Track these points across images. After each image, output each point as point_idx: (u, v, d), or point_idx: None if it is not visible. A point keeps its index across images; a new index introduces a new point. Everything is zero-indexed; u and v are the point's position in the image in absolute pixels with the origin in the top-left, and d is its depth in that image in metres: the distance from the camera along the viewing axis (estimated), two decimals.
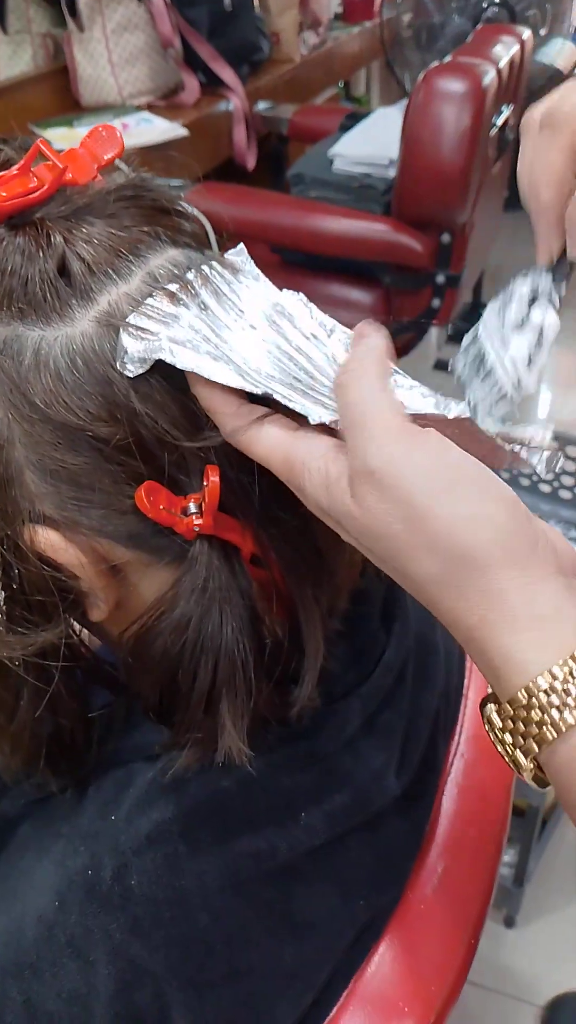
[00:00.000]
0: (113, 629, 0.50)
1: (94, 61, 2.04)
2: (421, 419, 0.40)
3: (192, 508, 0.43)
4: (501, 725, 0.38)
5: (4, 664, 0.47)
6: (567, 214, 0.43)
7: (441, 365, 2.35)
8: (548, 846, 1.55)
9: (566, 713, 0.35)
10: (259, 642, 0.46)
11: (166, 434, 0.43)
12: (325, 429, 0.41)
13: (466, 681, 0.68)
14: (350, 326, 0.48)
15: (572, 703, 0.35)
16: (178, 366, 0.41)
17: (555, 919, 1.52)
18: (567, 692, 0.35)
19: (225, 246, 0.49)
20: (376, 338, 0.42)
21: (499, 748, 0.38)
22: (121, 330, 0.42)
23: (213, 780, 0.48)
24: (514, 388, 0.45)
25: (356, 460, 0.38)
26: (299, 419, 0.42)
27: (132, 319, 0.42)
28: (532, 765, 0.37)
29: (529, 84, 2.28)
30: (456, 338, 2.39)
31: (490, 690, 0.39)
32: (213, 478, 0.43)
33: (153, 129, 1.97)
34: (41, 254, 0.43)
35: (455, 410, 0.44)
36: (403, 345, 2.07)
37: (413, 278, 1.96)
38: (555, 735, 0.36)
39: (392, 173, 2.00)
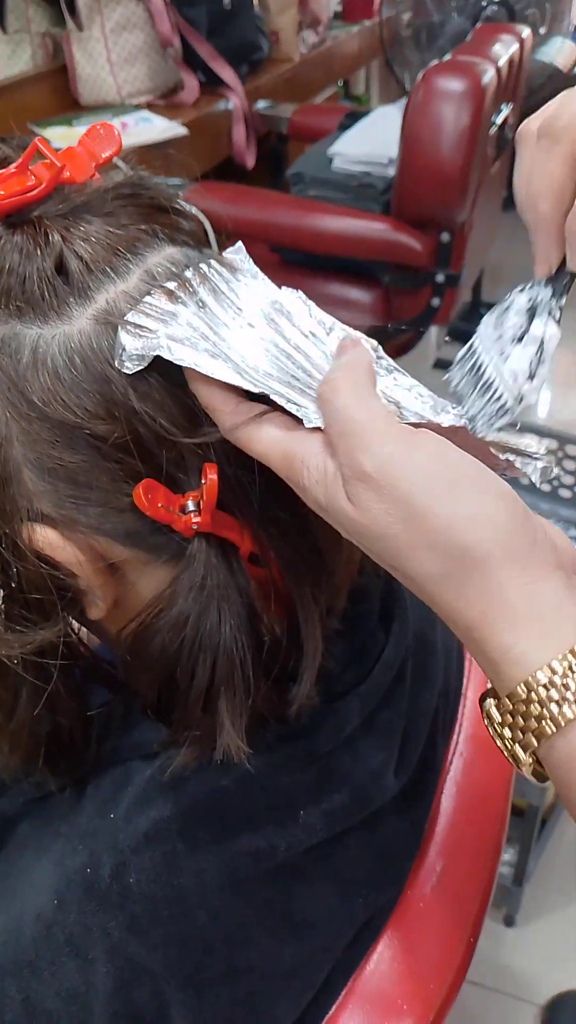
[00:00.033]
0: (111, 627, 0.50)
1: (93, 60, 2.04)
2: (416, 424, 0.40)
3: (190, 506, 0.43)
4: (500, 720, 0.38)
5: (3, 663, 0.47)
6: (567, 225, 0.42)
7: (441, 364, 2.35)
8: (548, 845, 1.55)
9: (565, 708, 0.35)
10: (257, 640, 0.46)
11: (164, 431, 0.43)
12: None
13: (465, 680, 0.68)
14: (350, 325, 0.48)
15: (571, 698, 0.35)
16: (176, 362, 0.41)
17: (555, 918, 1.53)
18: (566, 687, 0.35)
19: (224, 245, 0.49)
20: (358, 351, 0.42)
21: (498, 743, 0.38)
22: (119, 327, 0.42)
23: (212, 778, 0.48)
24: (515, 402, 0.45)
25: (347, 466, 0.38)
26: (297, 417, 0.42)
27: (130, 317, 0.42)
28: (531, 760, 0.37)
29: (528, 83, 2.28)
30: (456, 337, 2.40)
31: (489, 685, 0.39)
32: (211, 476, 0.43)
33: (152, 128, 1.97)
34: (39, 252, 0.43)
35: (448, 420, 0.44)
36: (403, 344, 2.07)
37: (412, 277, 1.96)
38: (554, 729, 0.36)
39: (391, 172, 2.00)
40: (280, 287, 0.48)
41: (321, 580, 0.48)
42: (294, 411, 0.41)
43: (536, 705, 0.36)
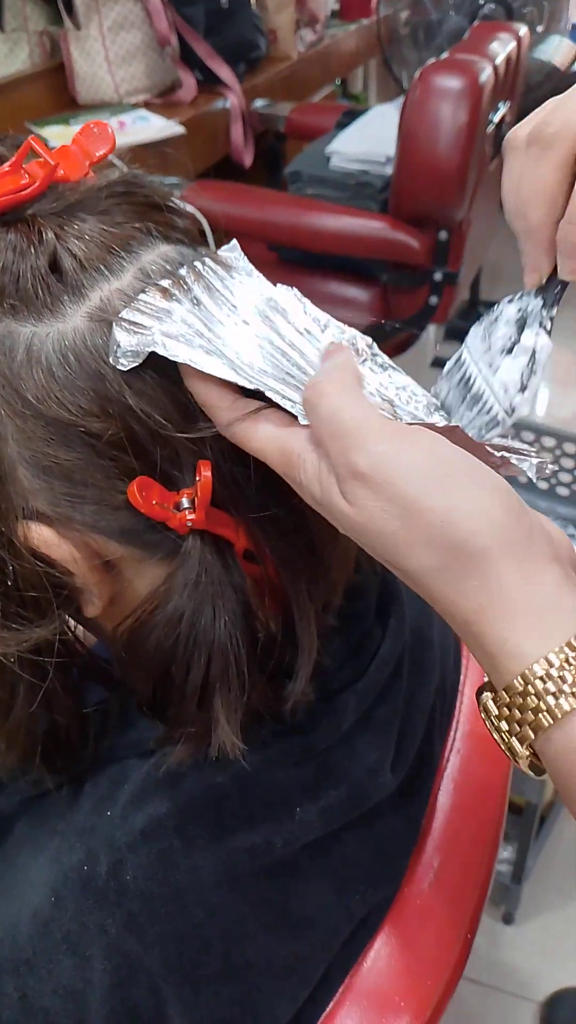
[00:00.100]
0: (107, 624, 0.50)
1: (91, 59, 2.04)
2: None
3: (185, 503, 0.43)
4: (497, 713, 0.38)
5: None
6: (559, 233, 0.42)
7: (438, 363, 2.35)
8: (546, 843, 1.56)
9: (562, 700, 0.35)
10: (252, 636, 0.46)
11: (159, 428, 0.43)
12: None
13: (462, 677, 0.68)
14: (347, 324, 0.48)
15: (568, 690, 0.35)
16: (172, 359, 0.41)
17: (553, 916, 1.53)
18: (563, 679, 0.35)
19: (221, 243, 0.49)
20: (343, 355, 0.42)
21: (495, 736, 0.38)
22: (114, 324, 0.42)
23: (208, 775, 0.48)
24: (506, 414, 0.44)
25: (341, 466, 0.38)
26: (293, 414, 0.42)
27: (125, 314, 0.42)
28: (528, 753, 0.37)
29: (526, 81, 2.28)
30: (454, 335, 2.40)
31: (486, 679, 0.39)
32: (205, 473, 0.43)
33: (150, 127, 1.97)
34: (33, 250, 0.43)
35: (442, 420, 0.44)
36: (401, 343, 2.07)
37: (410, 275, 1.96)
38: (551, 722, 0.36)
39: (389, 170, 2.00)
40: (275, 284, 0.48)
41: (317, 577, 0.48)
42: (289, 408, 0.41)
43: (533, 698, 0.36)
